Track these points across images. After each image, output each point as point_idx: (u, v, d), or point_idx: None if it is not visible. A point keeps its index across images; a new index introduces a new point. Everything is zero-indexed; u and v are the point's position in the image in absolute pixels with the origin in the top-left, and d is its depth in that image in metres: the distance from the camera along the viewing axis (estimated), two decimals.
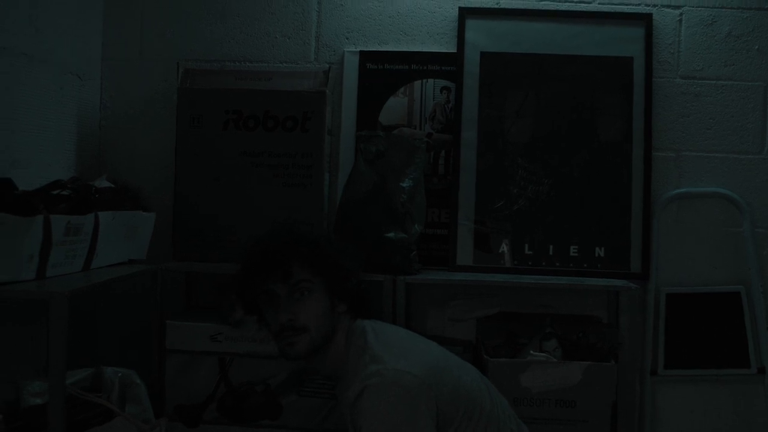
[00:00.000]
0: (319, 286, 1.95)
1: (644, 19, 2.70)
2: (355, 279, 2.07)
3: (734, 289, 2.69)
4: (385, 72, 2.74)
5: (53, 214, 1.96)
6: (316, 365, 2.04)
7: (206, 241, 2.57)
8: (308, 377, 2.33)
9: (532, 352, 2.46)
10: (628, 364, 2.42)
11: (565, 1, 2.73)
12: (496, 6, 2.73)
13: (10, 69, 2.23)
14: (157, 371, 2.47)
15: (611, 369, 2.39)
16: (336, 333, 1.99)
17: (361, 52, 2.75)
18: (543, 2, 2.73)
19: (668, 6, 2.72)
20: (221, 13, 2.80)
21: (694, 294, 2.69)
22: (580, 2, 2.73)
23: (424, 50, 2.76)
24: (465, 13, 2.72)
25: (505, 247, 2.65)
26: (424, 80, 2.74)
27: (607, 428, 2.39)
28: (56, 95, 2.50)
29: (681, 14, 2.72)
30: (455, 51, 2.72)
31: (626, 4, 2.72)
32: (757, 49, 2.71)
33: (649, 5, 2.72)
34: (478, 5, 2.73)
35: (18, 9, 2.25)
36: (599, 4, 2.73)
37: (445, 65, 2.73)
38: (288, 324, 1.91)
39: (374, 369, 1.82)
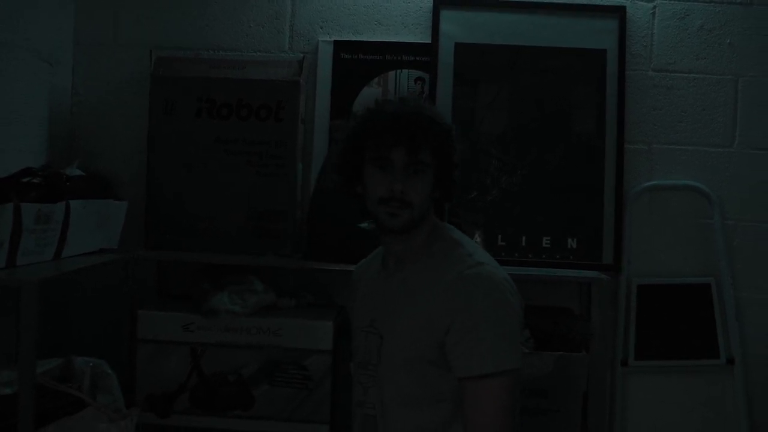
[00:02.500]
0: (432, 169, 1.88)
1: (618, 12, 2.71)
2: (458, 174, 2.01)
3: (704, 281, 2.71)
4: (359, 62, 2.73)
5: (24, 202, 1.95)
6: (391, 242, 1.96)
7: (178, 230, 2.56)
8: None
9: None
10: (599, 354, 2.44)
11: None
12: None
13: None
14: (129, 361, 2.46)
15: (582, 359, 2.41)
16: (426, 217, 1.92)
17: (336, 42, 2.75)
18: None
19: None
20: (196, 1, 2.78)
21: (665, 285, 2.72)
22: None
23: (398, 40, 2.75)
24: (440, 3, 2.72)
25: (478, 238, 2.66)
26: (398, 70, 2.73)
27: (578, 418, 2.41)
28: (28, 81, 2.48)
29: (654, 7, 2.73)
30: (430, 42, 2.71)
31: None
32: (729, 43, 2.73)
33: None
34: None
35: None
36: None
37: (419, 56, 2.73)
38: (399, 195, 1.84)
39: (478, 261, 1.83)
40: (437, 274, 1.84)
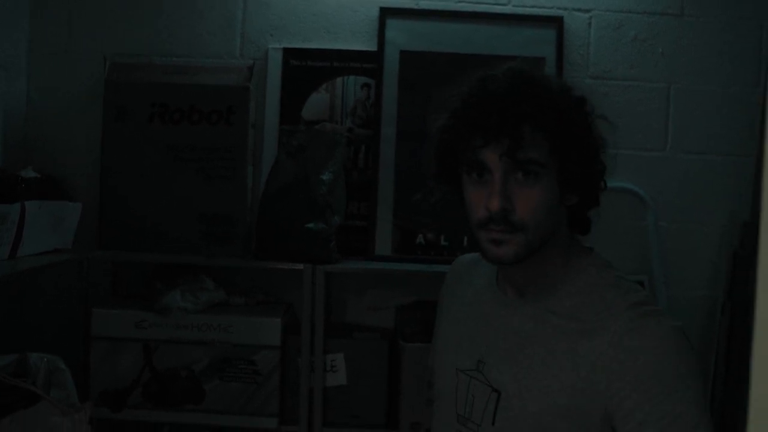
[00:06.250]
0: (551, 171, 1.37)
1: (556, 22, 2.82)
2: (601, 162, 1.49)
3: (638, 279, 2.81)
4: (307, 68, 2.82)
5: None
6: (509, 271, 1.49)
7: (131, 232, 2.62)
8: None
9: None
10: None
11: (482, 3, 2.84)
12: (415, 7, 2.83)
13: None
14: (83, 357, 2.53)
15: None
16: (556, 234, 1.44)
17: (285, 49, 2.83)
18: (461, 4, 2.84)
19: (579, 9, 2.85)
20: (149, 8, 2.84)
21: None
22: (495, 4, 2.84)
23: (346, 48, 2.84)
24: (386, 12, 2.81)
25: (422, 239, 2.75)
26: (346, 77, 2.82)
27: None
28: None
29: (590, 18, 2.85)
30: (376, 49, 2.81)
31: (539, 7, 2.84)
32: (661, 52, 2.85)
33: (560, 8, 2.84)
34: (398, 5, 2.83)
35: None
36: (514, 6, 2.84)
37: (366, 63, 2.82)
38: (499, 215, 1.35)
39: (655, 309, 1.39)
40: (595, 320, 1.37)
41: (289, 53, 2.83)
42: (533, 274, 1.46)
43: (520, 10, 2.84)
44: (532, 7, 2.84)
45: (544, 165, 1.36)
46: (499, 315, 1.50)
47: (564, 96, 1.43)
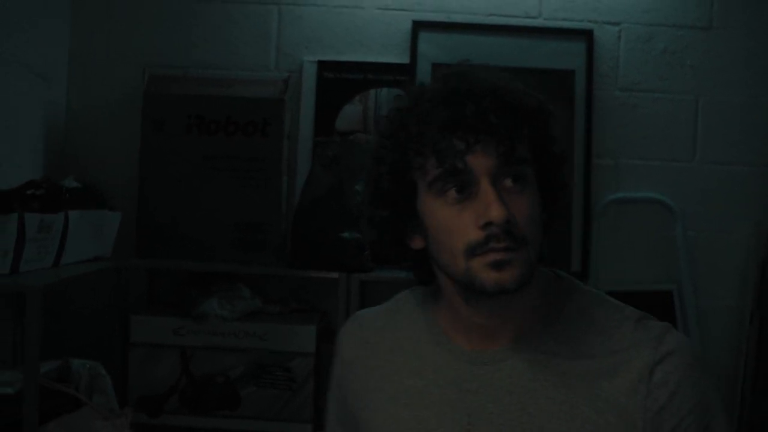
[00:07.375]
0: (533, 175, 1.18)
1: (586, 35, 2.86)
2: (565, 178, 1.29)
3: (667, 288, 2.85)
4: (341, 81, 2.87)
5: (27, 212, 2.07)
6: (482, 309, 1.21)
7: (168, 241, 2.66)
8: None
9: None
10: None
11: (513, 17, 2.88)
12: (447, 20, 2.87)
13: None
14: (122, 363, 2.58)
15: None
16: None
17: (319, 62, 2.87)
18: (491, 17, 2.87)
19: (608, 23, 2.88)
20: (186, 21, 2.90)
21: (631, 292, 2.81)
22: (526, 17, 2.88)
23: (379, 61, 2.88)
24: (418, 26, 2.86)
25: None
26: (379, 89, 2.86)
27: None
28: (24, 97, 2.58)
29: (620, 31, 2.88)
30: (408, 62, 2.85)
31: (569, 20, 2.88)
32: (690, 65, 2.88)
33: (590, 21, 2.88)
34: (430, 19, 2.87)
35: None
36: (544, 19, 2.88)
37: (398, 75, 2.85)
38: (504, 227, 1.10)
39: (665, 324, 1.21)
40: (605, 352, 1.18)
41: (323, 66, 2.87)
42: (512, 311, 1.21)
43: (550, 23, 2.88)
44: (563, 20, 2.88)
45: (529, 165, 1.17)
46: (475, 375, 1.21)
47: (529, 90, 1.25)
